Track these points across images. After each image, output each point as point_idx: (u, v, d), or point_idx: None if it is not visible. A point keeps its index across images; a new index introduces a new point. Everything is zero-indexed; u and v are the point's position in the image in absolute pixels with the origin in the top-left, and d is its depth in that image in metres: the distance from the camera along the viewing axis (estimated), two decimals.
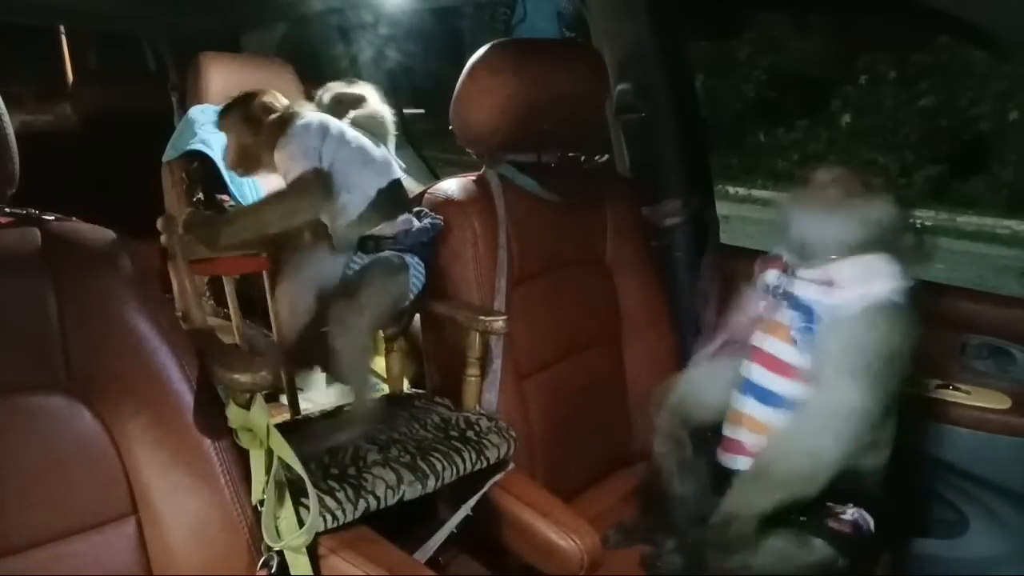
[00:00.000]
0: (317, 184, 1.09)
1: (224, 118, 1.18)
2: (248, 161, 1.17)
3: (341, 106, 1.24)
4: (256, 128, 1.15)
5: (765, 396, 1.10)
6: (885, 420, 1.05)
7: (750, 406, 1.11)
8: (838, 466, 1.01)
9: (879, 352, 1.01)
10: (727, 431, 1.15)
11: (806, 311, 1.07)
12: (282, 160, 1.12)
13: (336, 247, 1.16)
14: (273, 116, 1.16)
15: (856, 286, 1.03)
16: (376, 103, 1.28)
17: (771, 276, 1.15)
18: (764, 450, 1.07)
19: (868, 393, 1.00)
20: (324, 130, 1.13)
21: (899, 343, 1.02)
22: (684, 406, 1.20)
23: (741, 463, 1.12)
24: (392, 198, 1.16)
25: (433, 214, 1.19)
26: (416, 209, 1.19)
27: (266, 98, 1.17)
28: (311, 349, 1.19)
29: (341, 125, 1.17)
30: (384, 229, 1.14)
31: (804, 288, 1.08)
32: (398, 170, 1.21)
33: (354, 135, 1.17)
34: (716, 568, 1.09)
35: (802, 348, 1.06)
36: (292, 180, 1.10)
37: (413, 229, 1.15)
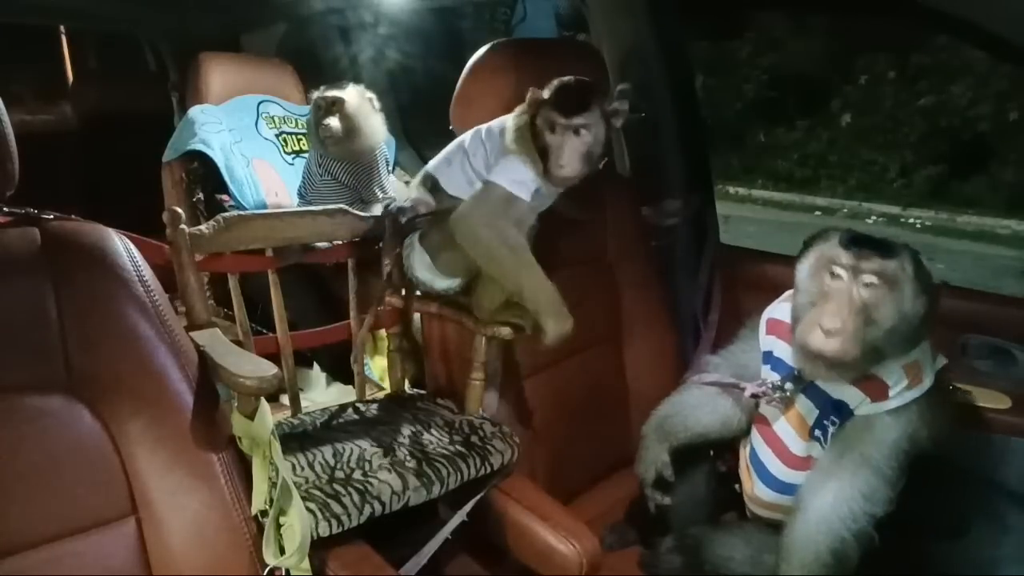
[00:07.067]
0: None
1: None
2: None
3: None
4: None
5: (784, 488, 1.07)
6: None
7: (767, 494, 1.09)
8: (864, 548, 0.99)
9: (911, 445, 0.99)
10: (751, 505, 1.13)
11: (828, 407, 1.02)
12: None
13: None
14: None
15: (891, 388, 0.98)
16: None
17: (783, 350, 1.07)
18: (789, 531, 1.02)
19: (894, 482, 0.99)
20: None
21: (934, 434, 1.00)
22: (667, 426, 1.16)
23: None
24: None
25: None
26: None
27: None
28: None
29: None
30: None
31: (830, 385, 1.01)
32: None
33: None
34: (714, 568, 1.09)
35: (822, 441, 1.03)
36: None
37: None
